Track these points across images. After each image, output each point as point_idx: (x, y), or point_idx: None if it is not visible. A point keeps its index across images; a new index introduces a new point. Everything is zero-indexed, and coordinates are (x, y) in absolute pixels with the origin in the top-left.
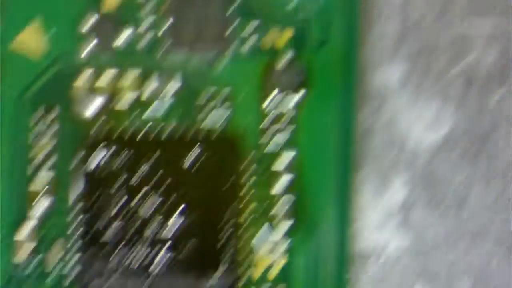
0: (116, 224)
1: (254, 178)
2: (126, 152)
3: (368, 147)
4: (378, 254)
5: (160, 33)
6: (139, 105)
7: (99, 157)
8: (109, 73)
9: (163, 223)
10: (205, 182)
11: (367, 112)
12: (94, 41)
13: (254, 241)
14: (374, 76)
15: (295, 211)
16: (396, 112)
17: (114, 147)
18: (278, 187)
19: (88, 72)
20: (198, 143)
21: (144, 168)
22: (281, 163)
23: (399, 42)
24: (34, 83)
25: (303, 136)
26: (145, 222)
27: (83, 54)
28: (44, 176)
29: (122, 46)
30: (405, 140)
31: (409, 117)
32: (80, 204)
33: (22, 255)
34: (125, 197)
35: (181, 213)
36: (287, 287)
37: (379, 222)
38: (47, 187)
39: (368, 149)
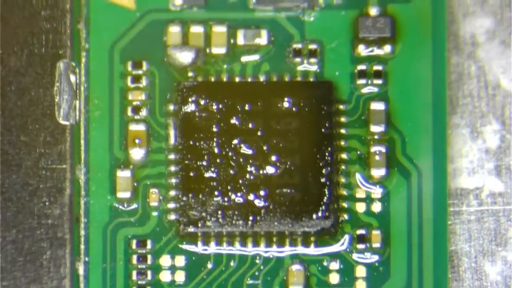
0: (214, 168)
1: (347, 126)
2: (222, 97)
3: (460, 93)
4: (473, 197)
5: None
6: (232, 52)
7: (195, 102)
8: (200, 24)
9: (261, 167)
10: (301, 125)
11: (458, 60)
12: None
13: (351, 185)
14: (463, 26)
15: (389, 159)
16: (486, 61)
17: (209, 92)
18: (371, 136)
19: (179, 24)
20: (294, 87)
21: (241, 111)
22: (373, 113)
23: None
24: (127, 34)
25: (394, 86)
26: (243, 165)
27: (173, 7)
28: (140, 122)
29: None
30: (496, 88)
31: (499, 65)
32: (177, 149)
33: (125, 191)
34: (223, 141)
35: (278, 156)
36: (385, 231)
37: (473, 166)
38: (144, 129)
39: (461, 96)
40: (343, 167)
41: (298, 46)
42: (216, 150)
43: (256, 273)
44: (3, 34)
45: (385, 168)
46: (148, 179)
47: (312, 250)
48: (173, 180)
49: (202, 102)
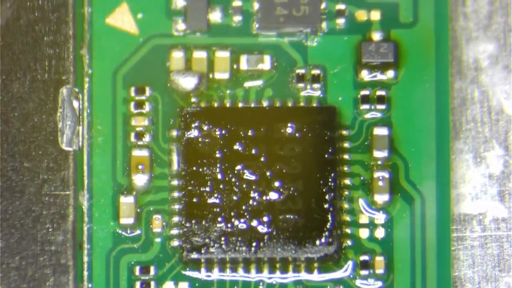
0: (217, 194)
1: (350, 151)
2: (225, 122)
3: (464, 118)
4: (476, 223)
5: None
6: (235, 78)
7: (198, 128)
8: (203, 49)
9: (264, 193)
10: (304, 151)
11: (462, 85)
12: (187, 20)
13: (354, 211)
14: (466, 51)
15: (392, 185)
16: (489, 86)
17: (212, 118)
18: (374, 162)
19: (182, 49)
20: (297, 113)
21: (244, 137)
22: (376, 139)
23: (489, 19)
24: (130, 59)
25: (397, 112)
26: (247, 191)
27: (176, 32)
28: (143, 147)
29: (213, 23)
30: (499, 113)
31: (502, 91)
32: (180, 175)
33: (128, 217)
34: (226, 167)
35: (281, 182)
36: (388, 257)
37: (476, 192)
38: (147, 155)
39: (464, 121)
40: (346, 193)
41: (301, 71)
42: (219, 176)
43: None
44: (6, 60)
45: (388, 194)
46: (151, 205)
47: (315, 277)
48: (176, 206)
49: (205, 127)
